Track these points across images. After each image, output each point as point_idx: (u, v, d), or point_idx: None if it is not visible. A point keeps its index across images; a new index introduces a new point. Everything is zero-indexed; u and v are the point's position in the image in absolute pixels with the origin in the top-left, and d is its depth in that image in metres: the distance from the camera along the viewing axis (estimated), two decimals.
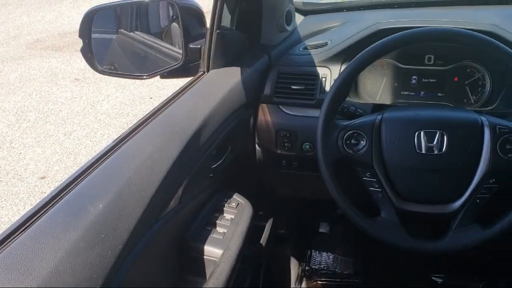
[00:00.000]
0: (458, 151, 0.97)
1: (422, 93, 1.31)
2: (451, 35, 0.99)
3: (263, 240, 1.51)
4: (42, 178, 3.18)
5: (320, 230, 1.95)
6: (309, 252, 1.96)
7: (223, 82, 1.17)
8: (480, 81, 1.26)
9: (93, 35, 1.16)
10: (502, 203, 0.96)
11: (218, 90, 1.12)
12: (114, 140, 0.90)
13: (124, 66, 1.39)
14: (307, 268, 1.93)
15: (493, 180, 0.95)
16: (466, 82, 1.27)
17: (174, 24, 1.28)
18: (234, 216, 1.09)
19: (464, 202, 0.97)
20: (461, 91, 1.28)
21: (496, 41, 0.97)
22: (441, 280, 1.81)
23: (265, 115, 1.29)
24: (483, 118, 0.98)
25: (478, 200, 0.96)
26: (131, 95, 4.58)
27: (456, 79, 1.28)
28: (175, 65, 1.21)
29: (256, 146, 1.34)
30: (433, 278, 1.83)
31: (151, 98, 4.49)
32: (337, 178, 1.02)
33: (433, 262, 1.86)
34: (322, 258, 1.96)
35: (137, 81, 4.49)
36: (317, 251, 1.96)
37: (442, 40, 1.02)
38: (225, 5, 1.19)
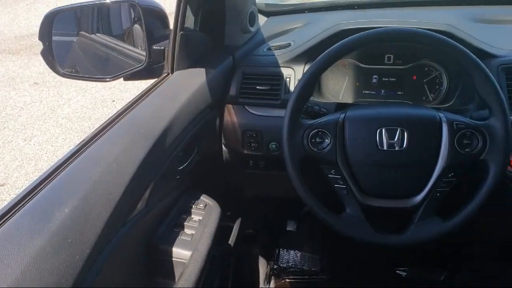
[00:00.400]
0: (418, 147, 1.00)
1: (382, 91, 1.34)
2: (409, 35, 1.02)
3: (231, 240, 1.51)
4: (2, 185, 3.08)
5: (288, 229, 1.97)
6: (277, 251, 1.98)
7: (187, 84, 1.17)
8: (438, 79, 1.31)
9: (54, 38, 1.14)
10: (460, 196, 1.00)
11: (183, 91, 1.12)
12: (79, 144, 0.88)
13: (86, 68, 1.36)
14: (275, 266, 1.95)
15: (452, 174, 0.99)
16: (424, 81, 1.32)
17: (137, 26, 1.27)
18: (202, 217, 1.09)
19: (425, 196, 1.00)
20: (420, 89, 1.32)
21: (452, 41, 1.01)
22: (405, 273, 1.87)
23: (231, 115, 1.30)
24: (441, 115, 1.02)
25: (438, 194, 1.00)
26: (92, 99, 4.49)
27: (414, 77, 1.32)
28: (139, 67, 1.20)
29: (223, 146, 1.35)
30: (397, 271, 1.88)
31: (114, 101, 4.42)
32: (303, 176, 1.04)
33: (397, 256, 1.91)
34: (290, 256, 1.98)
35: (100, 83, 4.41)
36: (285, 250, 1.98)
37: (401, 40, 1.05)
38: (188, 6, 1.19)
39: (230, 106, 1.31)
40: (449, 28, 1.24)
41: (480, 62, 0.99)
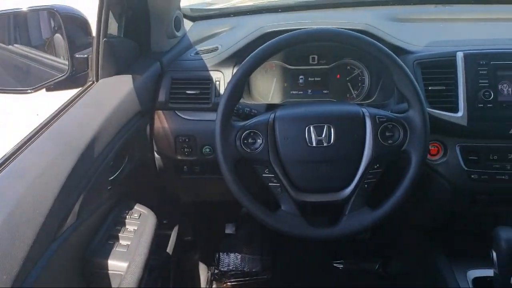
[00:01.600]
0: (345, 142, 1.04)
1: (309, 91, 1.39)
2: (331, 35, 1.07)
3: (169, 249, 1.49)
4: None
5: (227, 232, 1.98)
6: (217, 255, 1.98)
7: (114, 91, 1.14)
8: (360, 76, 1.38)
9: None
10: (387, 186, 1.06)
11: (110, 99, 1.09)
12: (0, 158, 0.84)
13: (4, 81, 1.29)
14: (216, 271, 1.95)
15: (378, 165, 1.04)
16: (347, 79, 1.38)
17: (58, 35, 1.22)
18: (137, 227, 1.07)
19: (354, 188, 1.04)
20: (344, 87, 1.38)
21: (371, 39, 1.06)
22: (341, 266, 1.94)
23: (161, 122, 1.29)
24: (364, 110, 1.07)
25: (366, 185, 1.04)
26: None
27: (338, 76, 1.38)
28: (61, 76, 1.16)
29: (155, 153, 1.33)
30: (334, 264, 1.95)
31: (38, 115, 4.21)
32: (239, 178, 1.05)
33: (334, 249, 1.97)
34: (231, 260, 1.99)
35: (20, 95, 4.16)
36: (225, 253, 1.99)
37: (323, 40, 1.09)
38: (110, 12, 1.16)
39: (160, 112, 1.29)
40: (368, 28, 1.30)
41: (397, 58, 1.05)
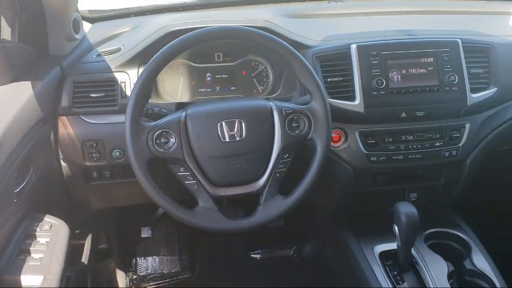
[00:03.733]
0: (255, 135, 1.08)
1: (217, 88, 1.41)
2: (233, 32, 1.10)
3: (84, 259, 1.44)
4: None
5: (143, 236, 1.95)
6: (134, 261, 1.95)
7: (12, 99, 1.07)
8: (264, 72, 1.43)
9: None
10: (296, 173, 1.11)
11: (9, 107, 1.03)
12: None
13: None
14: (134, 276, 1.91)
15: (287, 155, 1.10)
16: (252, 75, 1.43)
17: None
18: (50, 238, 1.03)
19: (267, 179, 1.09)
20: (250, 82, 1.43)
21: (272, 35, 1.11)
22: (259, 256, 1.99)
23: (66, 128, 1.24)
24: (271, 104, 1.12)
25: (278, 175, 1.09)
26: None
27: (244, 72, 1.42)
28: None
29: (62, 161, 1.28)
30: (252, 255, 2.00)
31: None
32: (153, 178, 1.05)
33: (250, 241, 2.02)
34: (149, 263, 1.96)
35: None
36: (142, 258, 1.96)
37: (226, 37, 1.11)
38: (2, 17, 1.09)
39: (64, 118, 1.24)
40: (268, 24, 1.36)
41: (298, 53, 1.11)
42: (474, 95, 1.27)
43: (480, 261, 1.29)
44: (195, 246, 2.01)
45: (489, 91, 1.30)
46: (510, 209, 2.04)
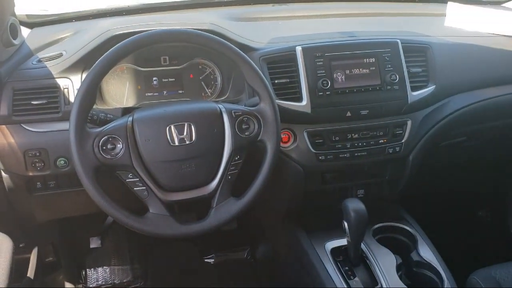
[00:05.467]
0: (206, 138, 1.08)
1: (165, 92, 1.40)
2: (179, 35, 1.09)
3: (30, 273, 1.39)
4: None
5: (92, 246, 1.89)
6: (84, 272, 1.89)
7: None
8: (212, 75, 1.43)
9: None
10: (248, 175, 1.12)
11: None
12: None
13: None
14: None
15: (238, 157, 1.10)
16: (200, 78, 1.42)
17: None
18: None
19: (219, 181, 1.09)
20: (198, 86, 1.42)
21: (219, 38, 1.12)
22: (213, 260, 1.98)
23: (6, 137, 1.18)
24: (221, 106, 1.12)
25: (229, 177, 1.10)
26: None
27: (191, 76, 1.42)
28: None
29: (2, 172, 1.22)
30: (205, 260, 1.98)
31: None
32: (101, 186, 1.02)
33: (203, 245, 2.01)
34: (99, 274, 1.91)
35: None
36: (92, 269, 1.91)
37: (172, 40, 1.10)
38: None
39: (3, 127, 1.19)
40: (214, 27, 1.36)
41: (245, 55, 1.12)
42: (414, 93, 1.33)
43: (426, 253, 1.34)
44: (147, 254, 1.98)
45: (428, 89, 1.36)
46: (450, 202, 2.15)
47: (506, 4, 1.88)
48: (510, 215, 2.15)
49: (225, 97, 1.41)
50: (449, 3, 1.67)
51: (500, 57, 1.54)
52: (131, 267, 1.94)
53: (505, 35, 1.59)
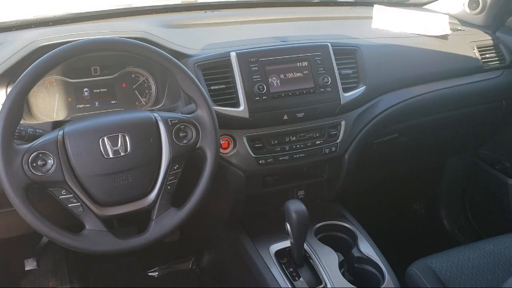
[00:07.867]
0: (142, 148, 1.05)
1: (97, 103, 1.36)
2: (109, 44, 1.06)
3: None
4: None
5: (27, 268, 1.79)
6: None
7: None
8: (146, 83, 1.40)
9: None
10: (188, 183, 1.11)
11: None
12: None
13: None
14: None
15: (177, 166, 1.09)
16: (134, 87, 1.39)
17: None
18: None
19: (158, 192, 1.07)
20: (132, 95, 1.39)
21: (151, 46, 1.10)
22: (157, 273, 1.94)
23: None
24: (156, 115, 1.10)
25: (169, 187, 1.08)
26: None
27: (124, 85, 1.38)
28: None
29: None
30: (149, 274, 1.94)
31: None
32: (33, 205, 0.97)
33: (145, 259, 1.96)
34: None
35: None
36: None
37: (102, 49, 1.07)
38: None
39: None
40: (146, 35, 1.33)
41: (179, 62, 1.11)
42: (346, 94, 1.37)
43: (366, 248, 1.38)
44: (87, 272, 1.90)
45: (359, 89, 1.41)
46: (386, 197, 2.24)
47: (427, 6, 2.00)
48: (441, 206, 2.27)
49: (161, 105, 1.38)
50: (375, 6, 1.75)
51: (424, 56, 1.63)
52: (71, 287, 1.85)
53: (427, 35, 1.69)
